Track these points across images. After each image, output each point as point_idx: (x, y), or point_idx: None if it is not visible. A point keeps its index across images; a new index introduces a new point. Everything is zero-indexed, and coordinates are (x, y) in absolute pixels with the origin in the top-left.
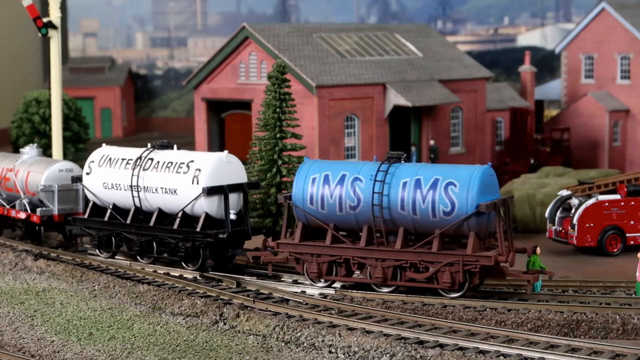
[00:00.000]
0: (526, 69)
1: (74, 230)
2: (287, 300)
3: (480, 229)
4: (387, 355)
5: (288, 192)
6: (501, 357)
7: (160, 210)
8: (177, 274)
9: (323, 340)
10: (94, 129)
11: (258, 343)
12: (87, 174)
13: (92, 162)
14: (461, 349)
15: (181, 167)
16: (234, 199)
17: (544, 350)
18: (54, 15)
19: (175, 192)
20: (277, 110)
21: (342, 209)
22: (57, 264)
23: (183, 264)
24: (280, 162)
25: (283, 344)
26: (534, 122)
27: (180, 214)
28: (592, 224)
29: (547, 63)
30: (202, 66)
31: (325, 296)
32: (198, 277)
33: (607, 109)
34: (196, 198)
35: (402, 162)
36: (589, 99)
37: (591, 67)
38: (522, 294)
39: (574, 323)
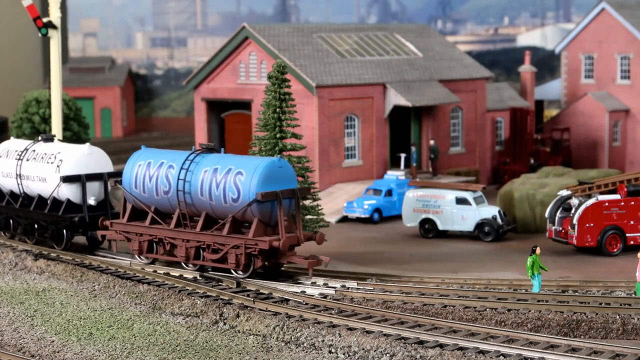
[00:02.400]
0: (526, 69)
1: None
2: (287, 300)
3: (264, 216)
4: (387, 355)
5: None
6: (501, 357)
7: (39, 197)
8: (177, 274)
9: (323, 340)
10: (94, 129)
11: (258, 343)
12: None
13: None
14: (461, 349)
15: (50, 158)
16: (95, 187)
17: (544, 350)
18: (54, 15)
19: (45, 180)
20: (277, 110)
21: (158, 194)
22: (57, 264)
23: (54, 244)
24: None
25: (283, 344)
26: (534, 122)
27: (50, 200)
28: (592, 224)
29: (547, 63)
30: (202, 66)
31: (325, 296)
32: (198, 277)
33: (607, 109)
34: (58, 185)
35: (214, 152)
36: (589, 99)
37: (591, 67)
38: (522, 294)
39: (574, 323)
